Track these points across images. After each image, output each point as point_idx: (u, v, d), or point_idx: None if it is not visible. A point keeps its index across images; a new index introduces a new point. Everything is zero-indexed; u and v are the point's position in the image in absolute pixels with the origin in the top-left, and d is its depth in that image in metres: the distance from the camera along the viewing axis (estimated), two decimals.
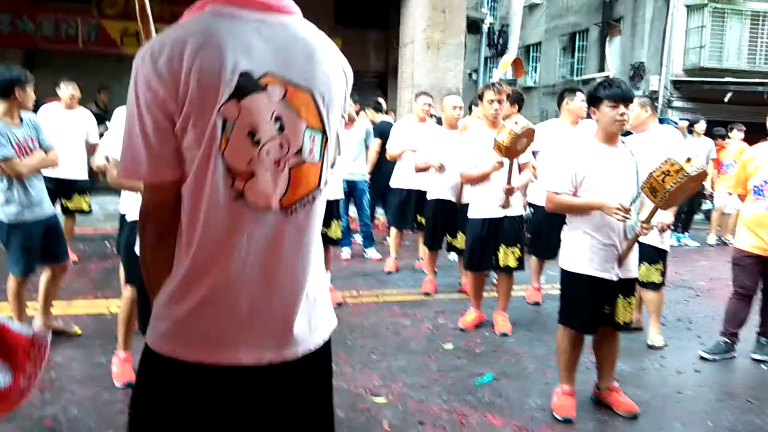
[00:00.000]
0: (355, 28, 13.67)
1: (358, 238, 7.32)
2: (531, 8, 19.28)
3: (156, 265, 1.30)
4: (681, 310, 5.44)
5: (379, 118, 7.65)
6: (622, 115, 3.13)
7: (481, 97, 4.68)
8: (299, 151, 1.26)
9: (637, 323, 4.58)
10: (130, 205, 3.34)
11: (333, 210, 4.99)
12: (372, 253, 7.03)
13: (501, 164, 4.29)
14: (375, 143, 6.84)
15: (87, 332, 4.17)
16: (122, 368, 3.43)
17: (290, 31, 1.27)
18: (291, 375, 1.33)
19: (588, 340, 3.39)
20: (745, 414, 3.41)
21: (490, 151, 4.24)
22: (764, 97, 12.37)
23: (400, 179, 6.21)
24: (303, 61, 1.26)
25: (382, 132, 6.88)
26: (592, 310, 3.20)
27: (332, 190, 4.91)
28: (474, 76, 17.78)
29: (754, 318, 4.31)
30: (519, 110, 5.44)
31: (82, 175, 6.01)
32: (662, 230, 4.09)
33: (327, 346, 1.42)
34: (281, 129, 1.23)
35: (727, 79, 13.49)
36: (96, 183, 7.04)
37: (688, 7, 14.47)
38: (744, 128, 9.08)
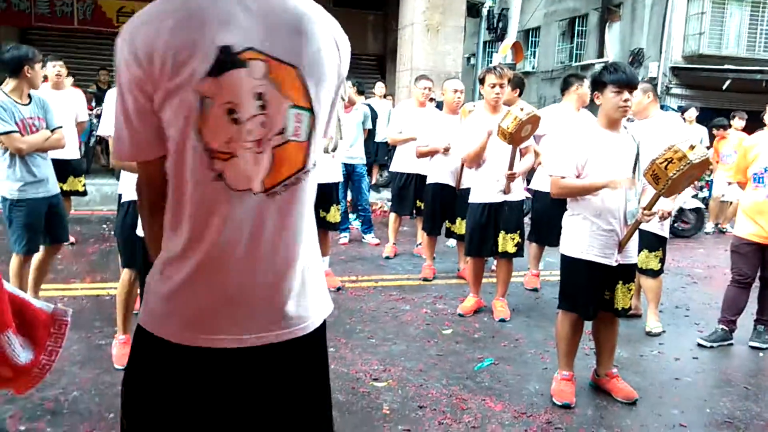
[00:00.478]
0: (354, 10, 13.56)
1: (355, 224, 7.31)
2: None
3: (152, 239, 1.33)
4: (679, 297, 5.46)
5: (360, 100, 7.56)
6: (625, 101, 3.11)
7: (482, 81, 4.65)
8: (283, 131, 1.20)
9: (636, 310, 4.59)
10: (126, 185, 3.32)
11: (332, 194, 4.97)
12: (370, 238, 7.03)
13: (490, 132, 4.26)
14: None
15: (86, 314, 4.16)
16: (122, 351, 3.42)
17: (277, 2, 1.20)
18: (279, 359, 1.29)
19: (587, 326, 3.40)
20: (742, 400, 3.44)
21: (491, 136, 4.22)
22: (763, 84, 12.33)
23: (400, 164, 6.17)
24: (289, 35, 1.19)
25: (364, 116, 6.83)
26: (592, 295, 3.21)
27: (332, 173, 4.90)
28: (472, 60, 17.65)
29: (752, 305, 4.32)
30: (520, 95, 5.41)
31: (75, 154, 5.93)
32: (663, 217, 4.09)
33: (320, 331, 1.37)
34: (263, 107, 1.16)
35: (726, 66, 13.44)
36: (91, 165, 7.00)
37: None
38: (746, 116, 9.07)
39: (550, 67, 18.49)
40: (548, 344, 3.98)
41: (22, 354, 1.61)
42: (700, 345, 4.22)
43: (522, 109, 4.01)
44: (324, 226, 5.03)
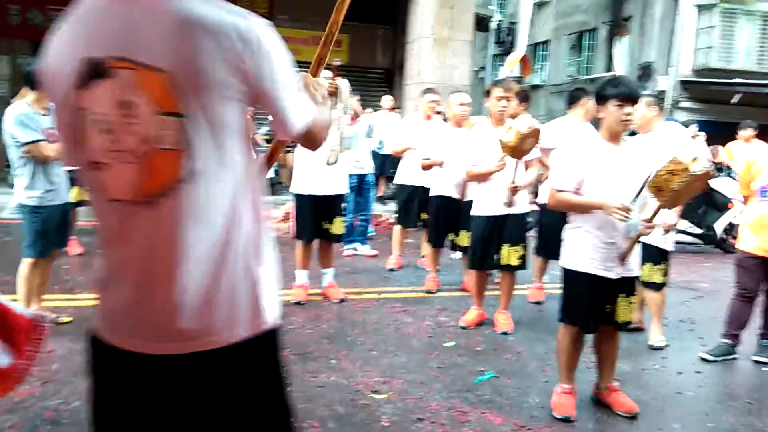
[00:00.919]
0: (363, 24, 13.63)
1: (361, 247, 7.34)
2: (540, 6, 19.20)
3: None
4: (683, 311, 5.43)
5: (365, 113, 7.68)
6: (627, 114, 3.12)
7: (488, 94, 4.68)
8: (152, 139, 1.16)
9: (639, 324, 4.57)
10: None
11: (336, 206, 4.99)
12: (365, 250, 7.03)
13: (504, 164, 4.28)
14: None
15: (92, 325, 4.18)
16: None
17: (155, 7, 1.17)
18: (193, 371, 1.28)
19: (588, 339, 3.39)
20: (745, 416, 3.40)
21: (495, 148, 4.24)
22: None
23: (405, 176, 6.20)
24: (162, 40, 1.15)
25: None
26: (593, 308, 3.20)
27: (335, 185, 4.93)
28: (481, 74, 17.74)
29: (756, 320, 4.29)
30: (527, 108, 5.45)
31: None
32: (666, 231, 4.08)
33: (242, 348, 1.30)
34: (132, 116, 1.15)
35: (736, 80, 13.40)
36: None
37: (698, 7, 14.38)
38: (755, 125, 9.10)
39: (559, 81, 18.51)
40: (550, 357, 3.96)
41: (1, 358, 1.63)
42: (703, 359, 4.19)
43: (523, 123, 4.03)
44: (327, 238, 5.06)
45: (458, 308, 5.01)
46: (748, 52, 14.29)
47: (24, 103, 3.88)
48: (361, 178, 6.77)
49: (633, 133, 4.50)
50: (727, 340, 4.23)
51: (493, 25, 14.83)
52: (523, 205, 4.56)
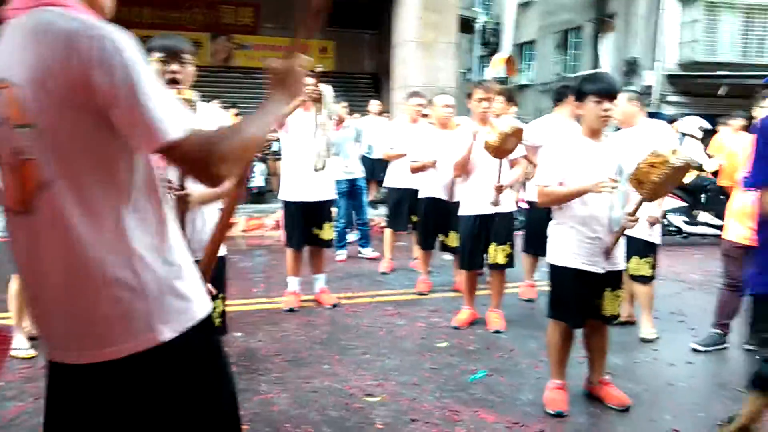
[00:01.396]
0: (348, 30, 13.71)
1: (351, 237, 7.39)
2: (524, 6, 19.30)
3: None
4: (674, 303, 5.46)
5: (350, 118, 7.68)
6: (606, 110, 3.15)
7: (470, 96, 4.72)
8: (16, 150, 1.22)
9: (629, 317, 4.60)
10: None
11: (324, 211, 5.01)
12: (369, 252, 7.09)
13: (476, 133, 4.33)
14: None
15: None
16: None
17: (18, 24, 1.23)
18: (106, 379, 1.28)
19: (579, 334, 3.41)
20: (736, 404, 3.40)
21: (479, 148, 4.27)
22: (756, 90, 12.38)
23: (394, 179, 6.24)
24: (15, 55, 1.20)
25: None
26: (580, 303, 3.22)
27: (323, 191, 4.95)
28: (468, 75, 17.81)
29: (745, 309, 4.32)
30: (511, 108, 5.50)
31: None
32: (652, 224, 4.11)
33: (127, 363, 1.27)
34: (7, 130, 1.22)
35: (720, 72, 13.51)
36: None
37: (681, 1, 14.50)
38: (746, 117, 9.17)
39: (547, 79, 18.59)
40: (542, 354, 3.98)
41: None
42: (694, 350, 4.22)
43: (505, 123, 4.06)
44: (317, 244, 5.07)
45: (450, 309, 5.03)
46: (732, 45, 14.43)
47: None
48: (352, 183, 6.82)
49: (617, 129, 4.54)
50: (717, 330, 4.27)
51: (478, 26, 14.89)
52: (509, 203, 4.59)
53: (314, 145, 4.73)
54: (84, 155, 1.22)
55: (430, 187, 5.45)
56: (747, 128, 8.82)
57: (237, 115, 8.45)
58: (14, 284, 3.94)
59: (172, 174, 2.47)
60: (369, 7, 13.49)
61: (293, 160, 4.89)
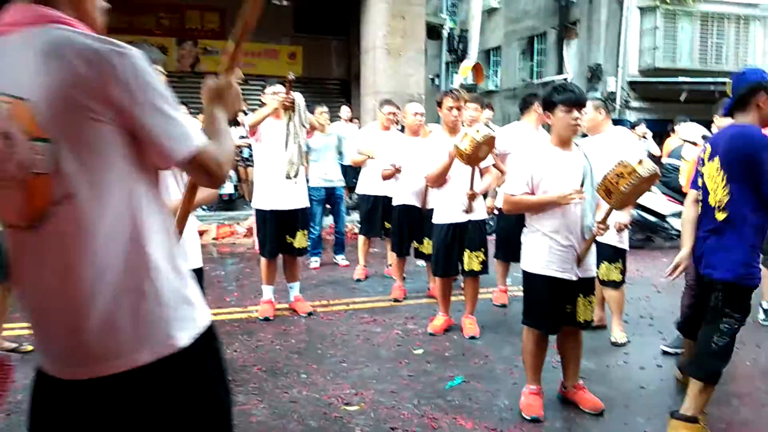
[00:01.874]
0: (316, 36, 13.69)
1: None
2: (489, 13, 19.54)
3: None
4: (643, 306, 5.59)
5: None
6: (575, 119, 3.22)
7: (440, 104, 4.77)
8: (26, 164, 1.22)
9: (600, 321, 4.70)
10: None
11: (298, 220, 5.00)
12: (341, 259, 7.11)
13: (452, 154, 4.35)
14: None
15: None
16: None
17: (20, 43, 1.23)
18: (109, 393, 1.29)
19: (553, 339, 3.48)
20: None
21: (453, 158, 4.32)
22: (716, 95, 12.75)
23: (367, 186, 6.26)
24: (22, 71, 1.21)
25: None
26: (554, 310, 3.28)
27: (296, 199, 4.94)
28: (436, 81, 17.94)
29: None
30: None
31: None
32: (620, 230, 4.21)
33: (146, 371, 1.29)
34: (11, 145, 1.22)
35: (681, 78, 13.88)
36: None
37: (640, 9, 14.85)
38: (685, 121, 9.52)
39: (512, 85, 18.83)
40: (517, 359, 4.04)
41: None
42: (664, 352, 4.33)
43: (478, 131, 4.11)
44: (291, 252, 5.06)
45: (426, 315, 5.06)
46: (691, 51, 14.83)
47: None
48: (330, 190, 6.82)
49: (583, 135, 4.64)
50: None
51: (445, 32, 15.01)
52: (481, 211, 4.65)
53: (286, 153, 4.72)
54: (104, 168, 1.25)
55: (403, 194, 5.49)
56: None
57: None
58: None
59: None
60: (337, 14, 13.50)
61: (266, 169, 4.88)
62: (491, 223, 6.22)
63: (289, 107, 4.71)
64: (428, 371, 3.97)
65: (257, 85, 9.20)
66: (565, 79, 15.81)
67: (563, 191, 3.16)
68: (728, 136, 3.05)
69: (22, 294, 1.35)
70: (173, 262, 1.36)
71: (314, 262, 6.98)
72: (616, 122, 5.71)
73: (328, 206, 7.05)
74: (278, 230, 4.94)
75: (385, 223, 6.12)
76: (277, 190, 4.84)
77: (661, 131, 10.38)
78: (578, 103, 3.24)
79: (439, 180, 4.56)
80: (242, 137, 8.71)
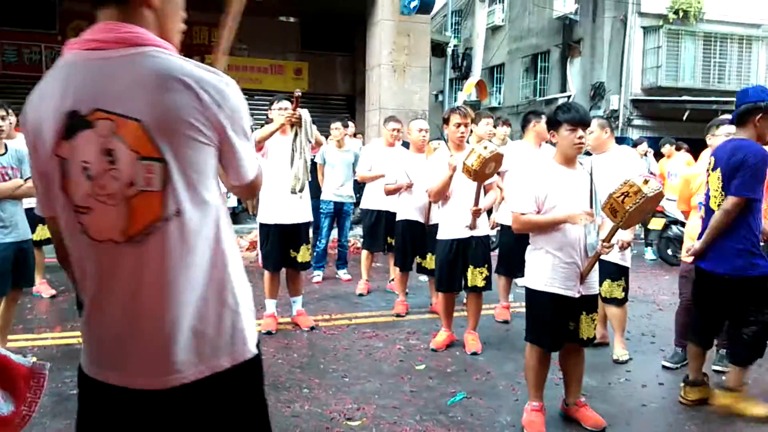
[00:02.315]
0: (322, 52, 13.84)
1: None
2: (494, 30, 19.71)
3: (74, 286, 1.48)
4: (645, 324, 5.59)
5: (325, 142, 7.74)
6: (580, 138, 3.26)
7: (446, 121, 4.81)
8: (134, 182, 1.26)
9: (603, 338, 4.70)
10: None
11: (301, 234, 5.03)
12: (343, 273, 7.14)
13: (454, 167, 4.40)
14: None
15: (57, 364, 4.11)
16: None
17: (130, 62, 1.28)
18: (178, 402, 1.35)
19: (555, 356, 3.49)
20: (706, 423, 3.53)
21: (457, 173, 4.35)
22: (718, 114, 12.81)
23: (370, 201, 6.30)
24: (135, 93, 1.25)
25: None
26: (557, 327, 3.30)
27: (300, 213, 4.98)
28: (440, 97, 18.05)
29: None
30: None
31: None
32: (623, 248, 4.23)
33: (227, 376, 1.40)
34: (113, 162, 1.26)
35: (683, 97, 13.96)
36: None
37: (644, 28, 14.98)
38: (672, 142, 9.78)
39: (515, 103, 18.96)
40: (519, 376, 4.04)
41: (3, 406, 1.68)
42: (665, 367, 4.34)
43: (485, 147, 4.15)
44: (294, 266, 5.08)
45: (428, 330, 5.07)
46: (693, 71, 14.94)
47: None
48: (340, 205, 6.84)
49: (588, 154, 4.67)
50: (679, 349, 4.41)
51: (449, 50, 15.13)
52: (485, 227, 4.67)
53: (292, 169, 4.77)
54: (203, 187, 1.35)
55: (407, 209, 5.52)
56: (689, 151, 9.27)
57: None
58: None
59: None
60: (343, 30, 13.65)
61: (271, 183, 4.91)
62: (494, 239, 6.24)
63: (296, 123, 4.76)
64: (430, 387, 3.98)
65: (263, 101, 9.27)
66: (569, 97, 15.91)
67: (573, 210, 3.18)
68: (728, 149, 3.49)
69: (101, 306, 1.35)
70: (242, 273, 1.47)
71: (317, 276, 7.00)
72: (618, 140, 5.75)
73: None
74: (282, 244, 4.97)
75: (388, 237, 6.16)
76: (281, 204, 4.88)
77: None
78: (583, 123, 3.28)
79: (441, 194, 4.59)
80: None
